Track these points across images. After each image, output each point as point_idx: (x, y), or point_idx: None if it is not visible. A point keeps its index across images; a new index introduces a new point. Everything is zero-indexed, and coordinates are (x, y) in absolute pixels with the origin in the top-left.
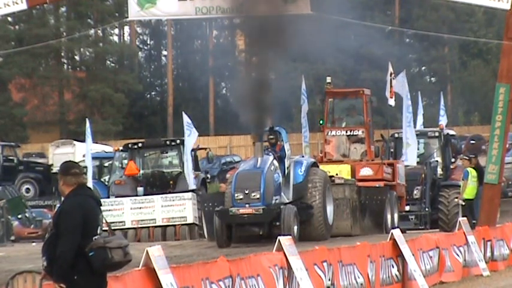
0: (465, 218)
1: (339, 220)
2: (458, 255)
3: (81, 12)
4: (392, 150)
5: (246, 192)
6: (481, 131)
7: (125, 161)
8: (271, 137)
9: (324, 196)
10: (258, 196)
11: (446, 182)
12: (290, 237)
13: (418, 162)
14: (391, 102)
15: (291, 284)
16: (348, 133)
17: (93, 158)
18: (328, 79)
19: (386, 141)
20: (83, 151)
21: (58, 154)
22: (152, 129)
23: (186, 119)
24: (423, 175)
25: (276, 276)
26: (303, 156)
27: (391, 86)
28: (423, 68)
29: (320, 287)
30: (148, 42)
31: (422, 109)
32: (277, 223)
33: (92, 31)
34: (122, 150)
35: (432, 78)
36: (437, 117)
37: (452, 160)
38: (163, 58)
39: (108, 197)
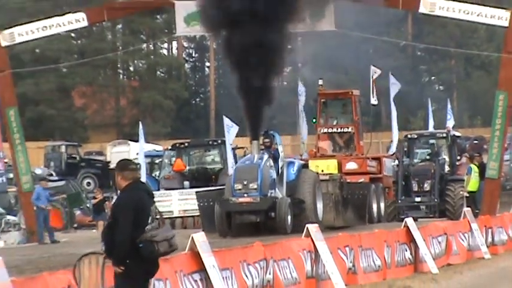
0: (469, 208)
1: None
2: (463, 241)
3: (135, 29)
4: (405, 149)
5: (245, 183)
6: (483, 132)
7: (173, 159)
8: (266, 140)
9: (314, 193)
10: (255, 187)
11: (452, 176)
12: (317, 224)
13: (428, 160)
14: (374, 101)
15: (317, 266)
16: (339, 130)
17: (146, 156)
18: (320, 81)
19: (401, 141)
20: (137, 150)
21: (115, 152)
22: (197, 130)
23: (226, 121)
24: (433, 171)
25: (305, 259)
26: (294, 159)
27: (373, 87)
28: (433, 77)
29: (343, 269)
30: (193, 55)
31: (432, 113)
32: (273, 214)
33: (144, 45)
34: (170, 149)
35: (440, 87)
36: (445, 120)
37: (458, 158)
38: (206, 69)
39: (159, 190)
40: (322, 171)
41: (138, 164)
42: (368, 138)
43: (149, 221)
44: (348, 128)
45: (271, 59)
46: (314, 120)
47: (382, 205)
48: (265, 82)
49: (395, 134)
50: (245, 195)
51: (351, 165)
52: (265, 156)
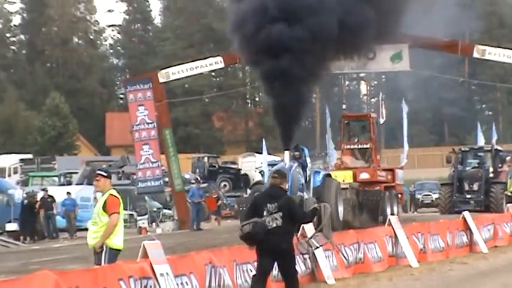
0: (511, 204)
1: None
2: (506, 228)
3: None
4: (460, 159)
5: None
6: None
7: None
8: (297, 152)
9: (336, 197)
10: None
11: (495, 180)
12: (396, 216)
13: (477, 167)
14: (381, 121)
15: (397, 247)
16: (359, 146)
17: (268, 165)
18: (344, 106)
19: (456, 153)
20: (261, 160)
21: (245, 162)
22: (305, 146)
23: (327, 140)
24: (480, 175)
25: (387, 242)
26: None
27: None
28: (483, 105)
29: (416, 249)
30: None
31: (482, 133)
32: None
33: None
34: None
35: (489, 112)
36: (492, 138)
37: (500, 166)
38: (313, 99)
39: None
40: (343, 180)
41: (262, 171)
42: (387, 152)
43: (264, 214)
44: (366, 144)
45: (304, 101)
46: (340, 138)
47: (396, 208)
48: (298, 110)
49: (406, 149)
50: None
51: (364, 175)
52: (295, 164)
